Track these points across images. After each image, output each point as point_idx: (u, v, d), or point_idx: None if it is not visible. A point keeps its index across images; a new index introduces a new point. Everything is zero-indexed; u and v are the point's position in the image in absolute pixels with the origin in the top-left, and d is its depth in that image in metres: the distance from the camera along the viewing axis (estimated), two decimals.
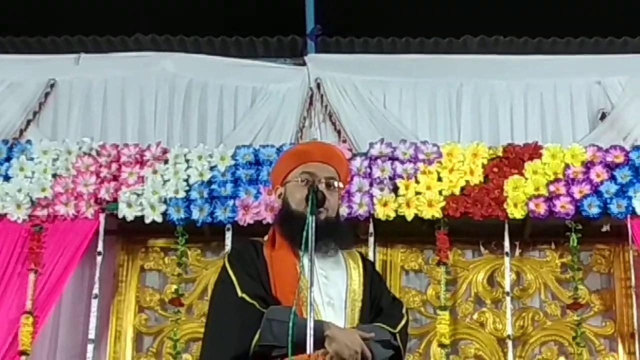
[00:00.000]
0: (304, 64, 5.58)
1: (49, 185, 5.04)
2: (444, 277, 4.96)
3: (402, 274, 5.24)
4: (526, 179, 5.00)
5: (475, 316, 5.16)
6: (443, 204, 4.96)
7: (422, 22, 5.61)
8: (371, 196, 4.99)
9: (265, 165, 5.01)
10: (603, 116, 5.43)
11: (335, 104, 5.45)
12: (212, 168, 5.07)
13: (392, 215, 4.97)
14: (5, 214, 5.01)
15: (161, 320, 5.19)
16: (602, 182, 4.99)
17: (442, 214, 4.95)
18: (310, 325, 3.14)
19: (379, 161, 5.06)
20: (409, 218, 4.98)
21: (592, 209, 4.94)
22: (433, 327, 5.02)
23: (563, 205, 4.94)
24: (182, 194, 5.01)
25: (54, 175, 5.07)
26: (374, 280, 3.66)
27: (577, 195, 4.96)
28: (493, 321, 5.13)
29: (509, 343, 4.93)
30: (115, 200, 5.02)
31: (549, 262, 5.23)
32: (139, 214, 4.99)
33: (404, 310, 3.65)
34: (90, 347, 4.88)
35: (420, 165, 5.04)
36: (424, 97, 5.52)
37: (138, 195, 5.00)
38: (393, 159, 5.06)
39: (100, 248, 5.00)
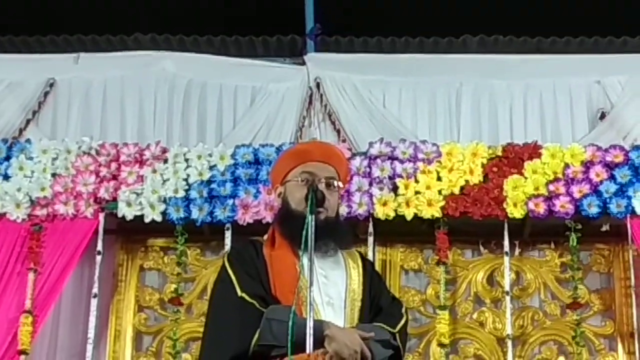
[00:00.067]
0: (303, 63, 5.58)
1: (49, 185, 5.04)
2: (443, 277, 4.96)
3: (402, 273, 5.23)
4: (526, 178, 5.00)
5: (474, 316, 5.16)
6: (442, 203, 4.96)
7: (422, 22, 5.61)
8: (371, 196, 4.98)
9: (265, 164, 5.00)
10: (602, 116, 5.43)
11: (334, 104, 5.45)
12: (211, 167, 5.07)
13: (392, 214, 4.97)
14: (5, 214, 5.01)
15: (161, 320, 5.19)
16: (601, 182, 4.98)
17: (442, 214, 4.95)
18: (309, 324, 3.14)
19: (378, 161, 5.06)
20: (409, 217, 4.98)
21: (592, 208, 4.94)
22: (432, 327, 5.02)
23: (562, 205, 4.94)
24: (181, 194, 5.01)
25: (54, 175, 5.07)
26: (373, 280, 3.66)
27: (577, 195, 4.95)
28: (492, 321, 5.13)
29: (509, 342, 4.93)
30: (114, 200, 5.02)
31: (549, 261, 5.22)
32: (139, 213, 4.99)
33: (403, 310, 3.64)
34: (89, 347, 4.87)
35: (420, 164, 5.04)
36: (424, 97, 5.52)
37: (137, 194, 5.00)
38: (392, 158, 5.06)
39: (99, 247, 5.00)
